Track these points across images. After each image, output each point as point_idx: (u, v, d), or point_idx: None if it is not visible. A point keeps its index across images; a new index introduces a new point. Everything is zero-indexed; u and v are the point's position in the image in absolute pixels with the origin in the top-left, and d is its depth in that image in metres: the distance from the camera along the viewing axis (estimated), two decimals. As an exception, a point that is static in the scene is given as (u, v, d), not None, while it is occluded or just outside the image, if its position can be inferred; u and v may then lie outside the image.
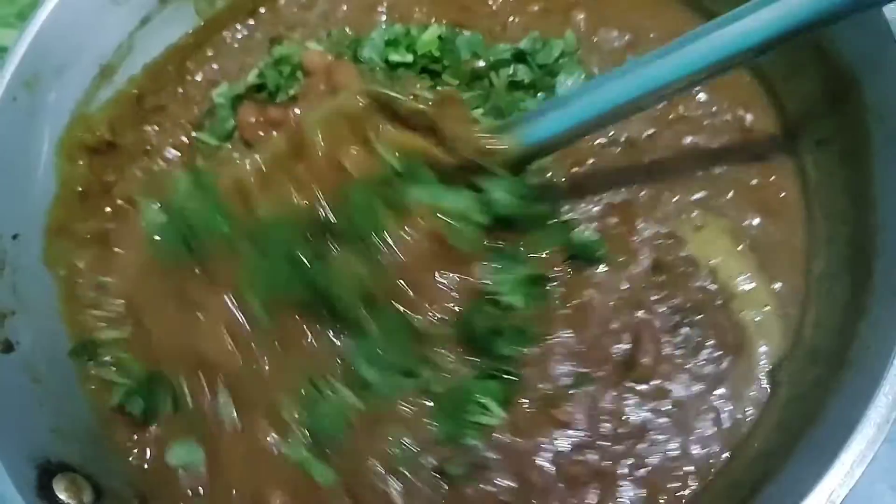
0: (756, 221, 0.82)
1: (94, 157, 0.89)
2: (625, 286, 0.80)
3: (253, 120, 0.93)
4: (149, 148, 0.94)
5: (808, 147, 0.82)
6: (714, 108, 0.87)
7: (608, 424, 0.74)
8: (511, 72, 0.91)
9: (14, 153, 0.82)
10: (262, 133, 0.92)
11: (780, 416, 0.70)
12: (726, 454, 0.72)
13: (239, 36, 1.00)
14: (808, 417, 0.64)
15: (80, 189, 0.87)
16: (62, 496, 0.69)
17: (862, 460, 0.57)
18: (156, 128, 0.95)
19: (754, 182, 0.83)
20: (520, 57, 0.92)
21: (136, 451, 0.80)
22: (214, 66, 0.98)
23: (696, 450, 0.73)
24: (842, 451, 0.57)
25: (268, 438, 0.76)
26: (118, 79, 0.91)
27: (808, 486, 0.57)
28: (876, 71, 0.72)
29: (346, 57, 0.95)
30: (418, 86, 0.92)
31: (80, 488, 0.71)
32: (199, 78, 0.98)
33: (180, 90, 0.97)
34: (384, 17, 0.99)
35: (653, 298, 0.79)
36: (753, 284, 0.79)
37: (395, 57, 0.93)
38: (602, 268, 0.81)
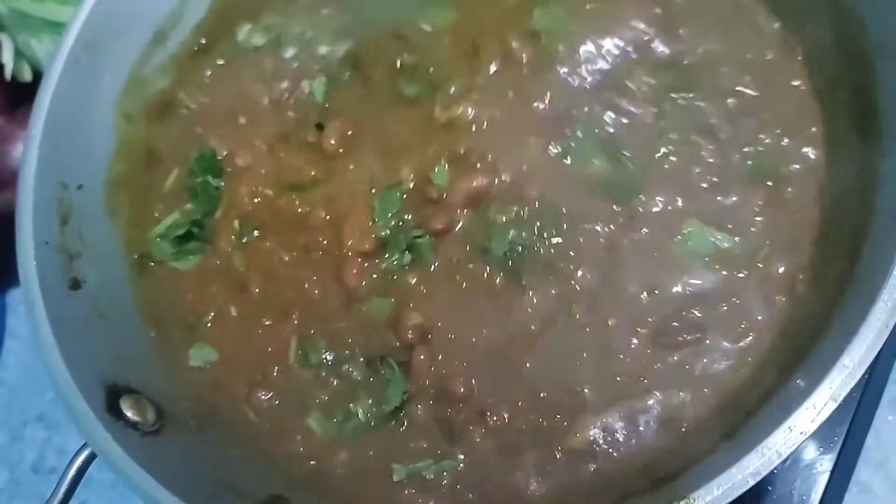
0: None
1: (150, 116, 0.96)
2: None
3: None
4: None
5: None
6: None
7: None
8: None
9: (78, 111, 0.89)
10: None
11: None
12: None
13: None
14: (815, 332, 0.69)
15: (137, 145, 0.94)
16: (128, 413, 0.76)
17: (861, 363, 0.61)
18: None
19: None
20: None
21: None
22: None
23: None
24: (844, 355, 0.62)
25: None
26: (170, 43, 0.97)
27: (812, 388, 0.61)
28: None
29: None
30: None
31: (143, 408, 0.78)
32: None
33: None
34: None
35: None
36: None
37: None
38: None
